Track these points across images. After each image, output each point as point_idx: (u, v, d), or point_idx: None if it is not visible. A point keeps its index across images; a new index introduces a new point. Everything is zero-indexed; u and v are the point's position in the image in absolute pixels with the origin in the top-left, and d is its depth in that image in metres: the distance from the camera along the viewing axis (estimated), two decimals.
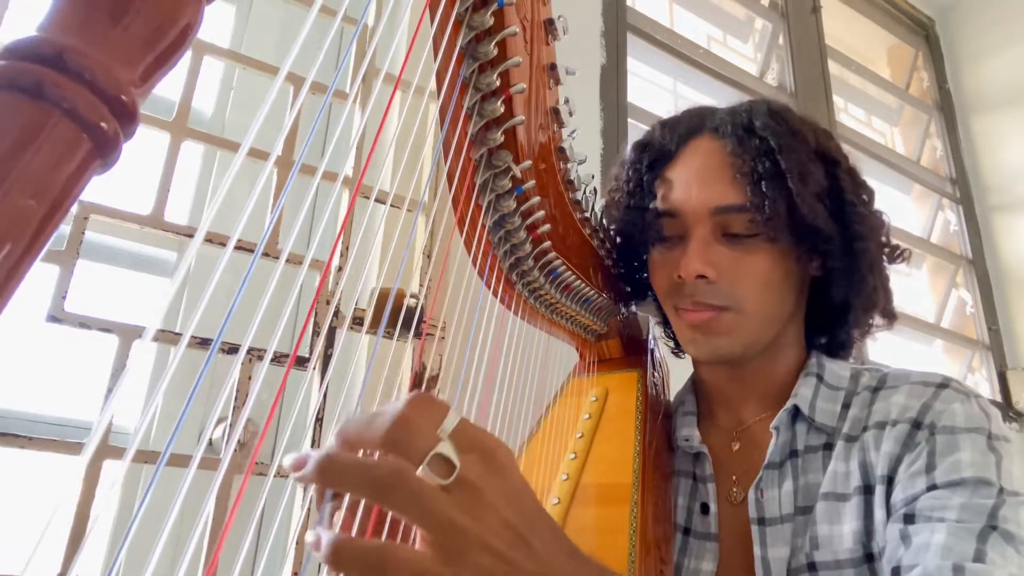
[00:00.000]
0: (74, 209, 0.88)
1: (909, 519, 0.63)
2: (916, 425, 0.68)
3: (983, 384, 2.48)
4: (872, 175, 0.81)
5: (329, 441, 0.41)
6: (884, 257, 0.80)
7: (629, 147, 0.86)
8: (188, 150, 1.00)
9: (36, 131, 0.23)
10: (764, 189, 0.71)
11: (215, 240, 0.92)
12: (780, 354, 0.80)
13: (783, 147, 0.73)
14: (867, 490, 0.68)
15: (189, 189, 1.18)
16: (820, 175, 0.74)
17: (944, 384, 0.71)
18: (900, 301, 0.84)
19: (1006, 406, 2.37)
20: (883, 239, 0.80)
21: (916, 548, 0.60)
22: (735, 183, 0.73)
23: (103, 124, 0.24)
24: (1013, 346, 2.51)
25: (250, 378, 0.88)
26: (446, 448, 0.37)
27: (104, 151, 0.25)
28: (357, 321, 1.03)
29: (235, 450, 0.91)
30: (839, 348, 0.83)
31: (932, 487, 0.63)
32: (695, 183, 0.76)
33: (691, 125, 0.80)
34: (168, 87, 1.06)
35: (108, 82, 0.24)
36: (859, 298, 0.77)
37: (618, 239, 0.86)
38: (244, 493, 0.35)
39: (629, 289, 0.91)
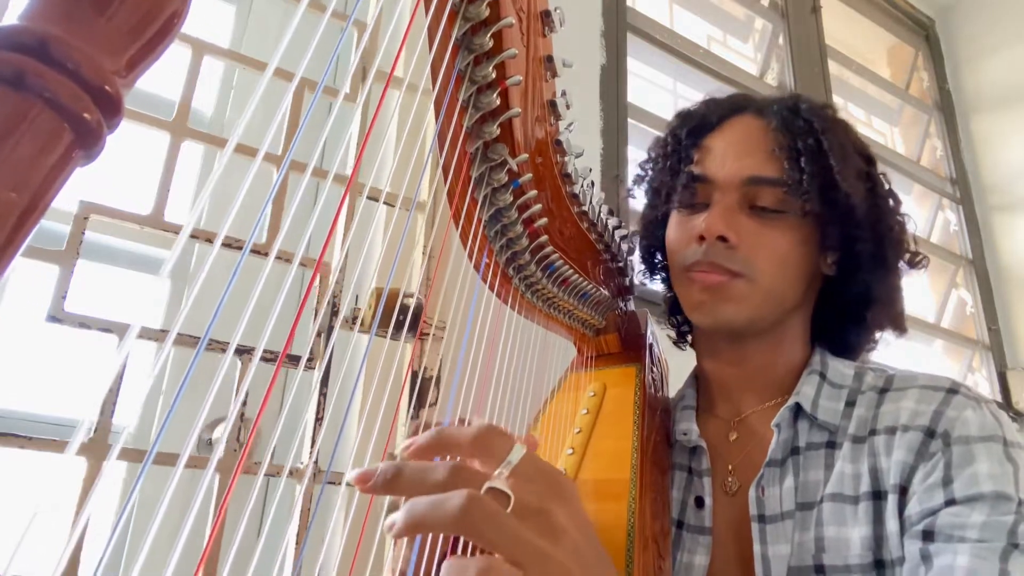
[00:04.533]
0: (74, 209, 0.88)
1: (928, 536, 0.62)
2: (929, 434, 0.67)
3: (983, 384, 2.47)
4: None
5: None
6: (904, 262, 0.82)
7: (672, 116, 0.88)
8: (188, 150, 1.00)
9: (17, 122, 0.22)
10: (803, 164, 0.73)
11: (214, 239, 0.92)
12: (782, 346, 0.80)
13: (827, 129, 0.75)
14: (877, 496, 0.67)
15: (189, 189, 1.18)
16: (860, 162, 0.77)
17: (953, 389, 0.70)
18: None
19: (1006, 406, 2.37)
20: (908, 243, 0.82)
21: (939, 570, 0.60)
22: (772, 157, 0.75)
23: (86, 115, 0.24)
24: (1013, 346, 2.51)
25: (246, 377, 0.88)
26: (499, 483, 0.39)
27: (87, 142, 0.24)
28: (355, 319, 1.02)
29: (234, 449, 0.91)
30: (846, 351, 0.83)
31: (951, 502, 0.62)
32: (731, 153, 0.77)
33: (735, 103, 0.83)
34: (168, 87, 1.06)
35: (92, 72, 0.24)
36: (883, 290, 0.78)
37: (648, 200, 0.88)
38: (248, 493, 0.35)
39: (644, 264, 0.92)
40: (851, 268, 0.78)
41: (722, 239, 0.74)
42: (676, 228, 0.81)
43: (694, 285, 0.77)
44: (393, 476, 0.40)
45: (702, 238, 0.74)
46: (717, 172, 0.77)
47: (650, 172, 0.86)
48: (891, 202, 0.80)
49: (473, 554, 0.41)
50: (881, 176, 0.81)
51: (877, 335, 0.83)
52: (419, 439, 0.44)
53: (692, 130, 0.82)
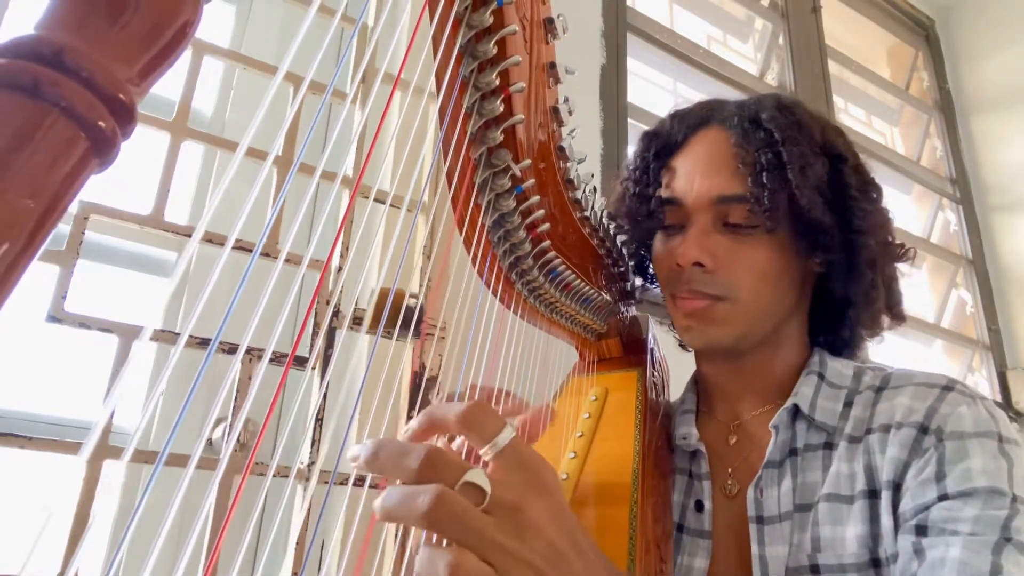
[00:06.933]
0: (74, 209, 0.88)
1: (921, 531, 0.62)
2: (923, 430, 0.67)
3: (983, 384, 2.47)
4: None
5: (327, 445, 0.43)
6: (888, 256, 0.80)
7: (640, 136, 0.88)
8: (188, 150, 1.00)
9: (33, 130, 0.23)
10: (765, 180, 0.72)
11: (215, 240, 0.92)
12: (780, 350, 0.80)
13: (786, 139, 0.73)
14: (872, 494, 0.67)
15: (189, 189, 1.18)
16: (822, 168, 0.75)
17: (949, 387, 0.70)
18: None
19: (1006, 406, 2.37)
20: (888, 237, 0.80)
21: (931, 563, 0.60)
22: (738, 173, 0.74)
23: (101, 123, 0.24)
24: (1013, 346, 2.51)
25: (250, 378, 0.88)
26: (476, 476, 0.39)
27: (102, 150, 0.24)
28: (357, 321, 1.03)
29: (235, 450, 0.91)
30: (843, 347, 0.82)
31: (943, 497, 0.62)
32: (698, 172, 0.77)
33: (700, 116, 0.81)
34: (168, 87, 1.06)
35: (106, 81, 0.24)
36: (858, 294, 0.77)
37: (626, 226, 0.87)
38: (244, 492, 0.35)
39: (639, 277, 0.92)
40: (831, 271, 0.77)
41: (699, 264, 0.74)
42: (657, 254, 0.81)
43: (679, 311, 0.77)
44: (371, 456, 0.41)
45: (680, 265, 0.75)
46: (687, 194, 0.76)
47: (622, 197, 0.85)
48: (869, 199, 0.77)
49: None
50: (855, 170, 0.78)
51: (878, 326, 0.83)
52: (412, 424, 0.45)
53: (659, 151, 0.82)
